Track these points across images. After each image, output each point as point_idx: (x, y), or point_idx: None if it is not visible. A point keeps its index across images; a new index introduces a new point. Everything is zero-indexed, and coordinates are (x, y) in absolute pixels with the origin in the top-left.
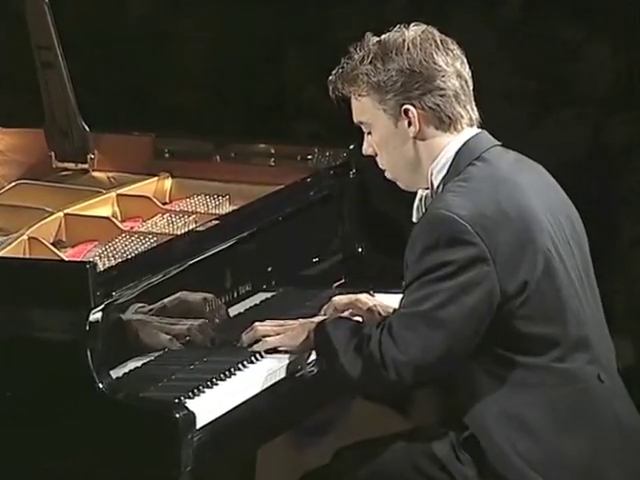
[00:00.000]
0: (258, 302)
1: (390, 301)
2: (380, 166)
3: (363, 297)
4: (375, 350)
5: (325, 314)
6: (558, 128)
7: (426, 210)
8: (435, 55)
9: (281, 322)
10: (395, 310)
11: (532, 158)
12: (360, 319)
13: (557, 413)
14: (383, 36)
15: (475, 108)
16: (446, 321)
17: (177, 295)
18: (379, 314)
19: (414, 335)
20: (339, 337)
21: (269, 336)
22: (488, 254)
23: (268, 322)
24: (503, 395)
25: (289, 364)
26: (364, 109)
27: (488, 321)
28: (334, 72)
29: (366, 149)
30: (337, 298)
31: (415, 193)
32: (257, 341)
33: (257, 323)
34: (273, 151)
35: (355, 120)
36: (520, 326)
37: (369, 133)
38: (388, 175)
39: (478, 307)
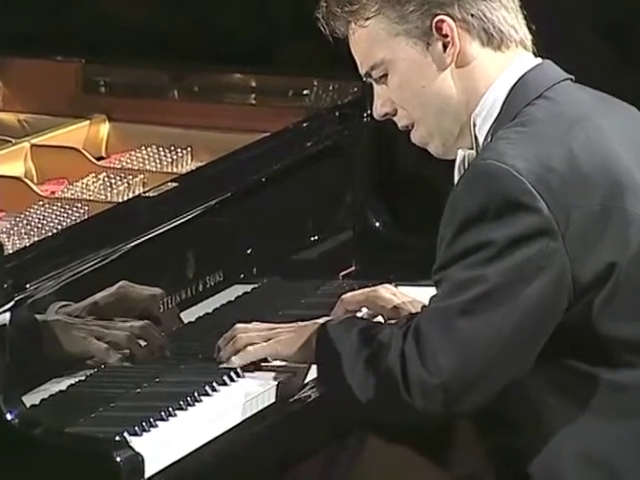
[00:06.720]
0: (233, 298)
1: (420, 294)
2: (402, 123)
3: (383, 291)
4: (395, 365)
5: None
6: None
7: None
8: None
9: (270, 325)
10: (424, 307)
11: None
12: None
13: None
14: None
15: (525, 27)
16: (496, 319)
17: (116, 288)
18: (409, 313)
19: (449, 340)
20: (346, 345)
21: (254, 344)
22: (555, 224)
23: (253, 324)
24: (583, 429)
25: (276, 387)
26: (375, 41)
27: (557, 320)
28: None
29: (380, 107)
30: (348, 295)
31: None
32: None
33: (239, 325)
34: (254, 84)
35: (365, 67)
36: (604, 327)
37: (382, 81)
38: (417, 136)
39: (541, 300)
